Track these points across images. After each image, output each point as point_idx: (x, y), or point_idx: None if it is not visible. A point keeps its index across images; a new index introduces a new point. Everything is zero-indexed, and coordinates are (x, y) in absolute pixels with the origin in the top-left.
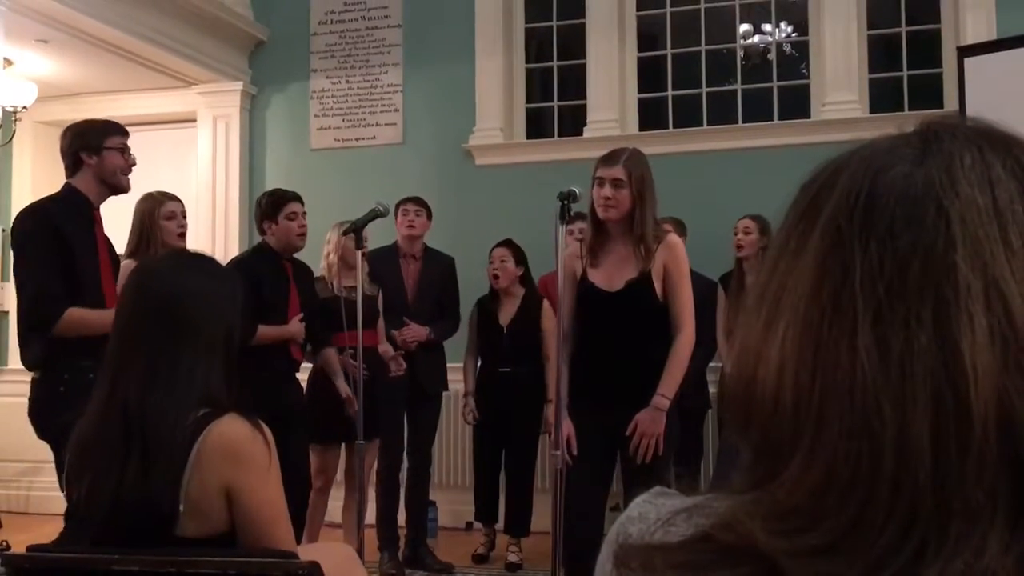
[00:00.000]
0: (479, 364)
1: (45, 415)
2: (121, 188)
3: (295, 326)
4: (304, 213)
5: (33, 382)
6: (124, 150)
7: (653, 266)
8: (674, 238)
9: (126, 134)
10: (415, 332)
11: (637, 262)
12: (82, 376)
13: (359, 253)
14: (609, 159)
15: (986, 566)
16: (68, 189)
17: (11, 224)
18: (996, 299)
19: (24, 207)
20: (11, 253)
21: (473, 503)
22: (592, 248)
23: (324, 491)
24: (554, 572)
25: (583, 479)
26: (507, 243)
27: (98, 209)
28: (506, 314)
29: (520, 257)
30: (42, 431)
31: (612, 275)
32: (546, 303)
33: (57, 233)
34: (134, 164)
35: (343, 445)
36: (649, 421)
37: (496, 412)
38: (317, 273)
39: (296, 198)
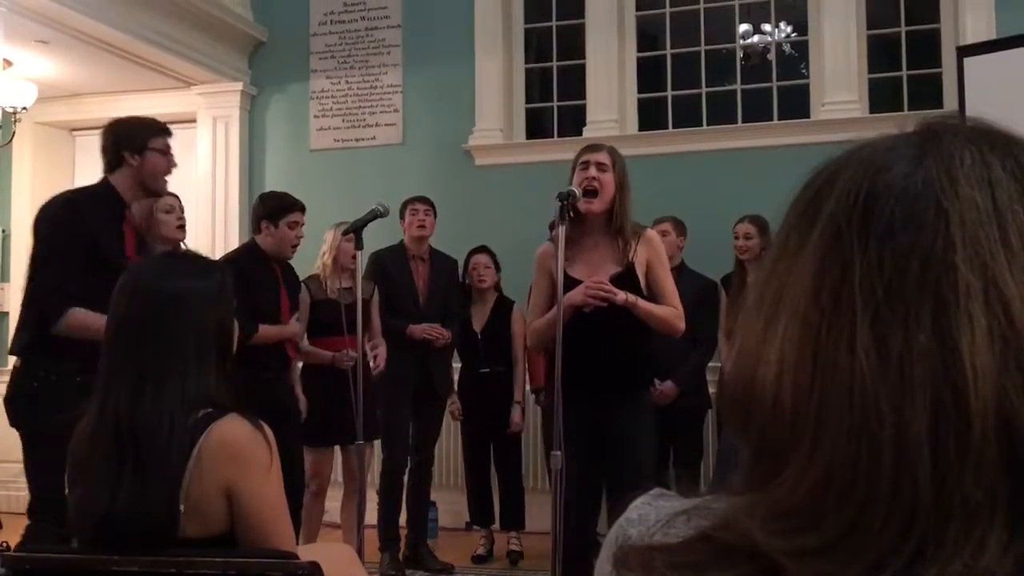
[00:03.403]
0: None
1: (15, 407)
2: (158, 191)
3: (294, 326)
4: (303, 224)
5: (13, 370)
6: (166, 151)
7: (636, 260)
8: (652, 232)
9: (170, 134)
10: (444, 334)
11: (617, 256)
12: (67, 378)
13: (358, 254)
14: (593, 146)
15: (985, 567)
16: (104, 184)
17: (36, 213)
18: (996, 300)
19: (55, 195)
20: (11, 251)
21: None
22: (568, 237)
23: (320, 494)
24: (554, 572)
25: (579, 476)
26: (484, 249)
27: (129, 208)
28: (479, 320)
29: (496, 263)
30: (12, 421)
31: (595, 270)
32: (516, 307)
33: (85, 227)
34: (175, 166)
35: (336, 448)
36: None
37: (480, 412)
38: (312, 272)
39: (302, 208)
